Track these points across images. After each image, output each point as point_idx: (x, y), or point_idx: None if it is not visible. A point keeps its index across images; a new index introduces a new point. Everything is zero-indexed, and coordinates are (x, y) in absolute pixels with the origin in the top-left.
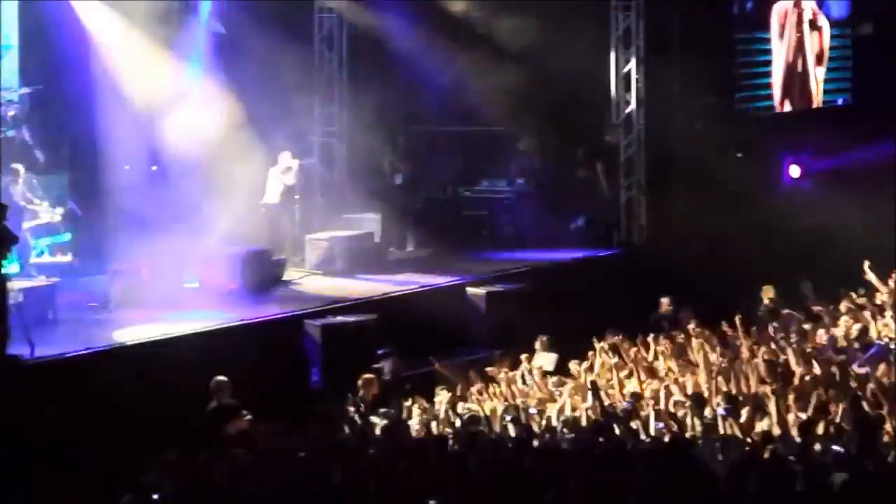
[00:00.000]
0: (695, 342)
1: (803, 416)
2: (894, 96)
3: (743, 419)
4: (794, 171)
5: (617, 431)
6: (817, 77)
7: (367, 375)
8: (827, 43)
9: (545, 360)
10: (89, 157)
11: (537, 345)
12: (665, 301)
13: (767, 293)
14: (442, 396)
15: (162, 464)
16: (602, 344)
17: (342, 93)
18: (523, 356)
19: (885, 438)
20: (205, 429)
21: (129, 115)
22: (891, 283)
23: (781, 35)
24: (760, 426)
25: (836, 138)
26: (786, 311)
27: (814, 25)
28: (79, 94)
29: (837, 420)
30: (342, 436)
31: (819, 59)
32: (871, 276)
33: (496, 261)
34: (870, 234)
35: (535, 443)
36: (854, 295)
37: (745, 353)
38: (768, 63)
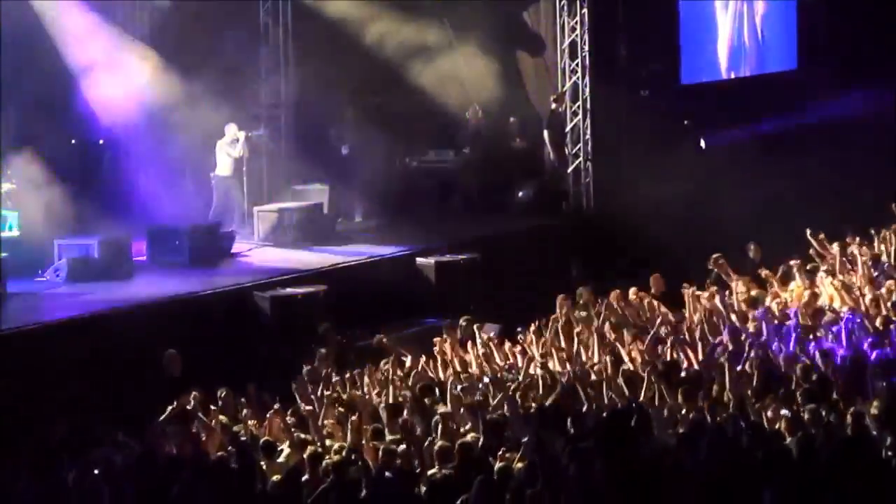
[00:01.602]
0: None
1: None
2: (838, 61)
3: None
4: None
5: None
6: (762, 45)
7: (322, 349)
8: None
9: (489, 330)
10: (38, 131)
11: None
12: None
13: (717, 260)
14: (390, 366)
15: (109, 438)
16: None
17: (288, 64)
18: (475, 326)
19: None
20: (154, 402)
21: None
22: (834, 249)
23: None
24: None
25: (780, 104)
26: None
27: None
28: (26, 68)
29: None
30: (294, 408)
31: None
32: (813, 244)
33: (445, 231)
34: (812, 200)
35: (486, 413)
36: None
37: (694, 320)
38: (713, 32)
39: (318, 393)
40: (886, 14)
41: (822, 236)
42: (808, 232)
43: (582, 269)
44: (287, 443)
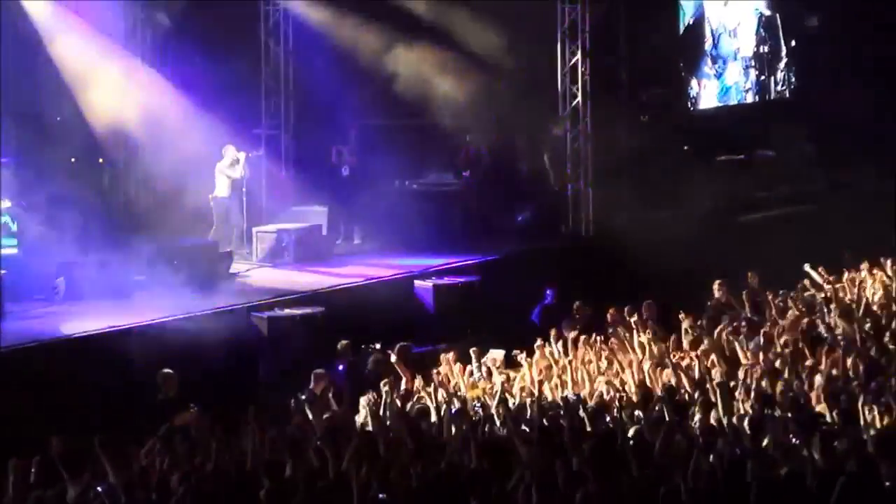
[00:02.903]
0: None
1: (750, 409)
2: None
3: (691, 413)
4: None
5: (564, 424)
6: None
7: (319, 370)
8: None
9: (494, 355)
10: (36, 147)
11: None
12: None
13: (716, 286)
14: (387, 388)
15: (108, 456)
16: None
17: (289, 85)
18: (472, 350)
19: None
20: (151, 421)
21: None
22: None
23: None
24: (705, 419)
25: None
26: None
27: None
28: (26, 84)
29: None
30: (291, 429)
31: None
32: (812, 274)
33: (443, 254)
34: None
35: (481, 436)
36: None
37: (692, 346)
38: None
39: (315, 414)
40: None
41: (820, 269)
42: (807, 265)
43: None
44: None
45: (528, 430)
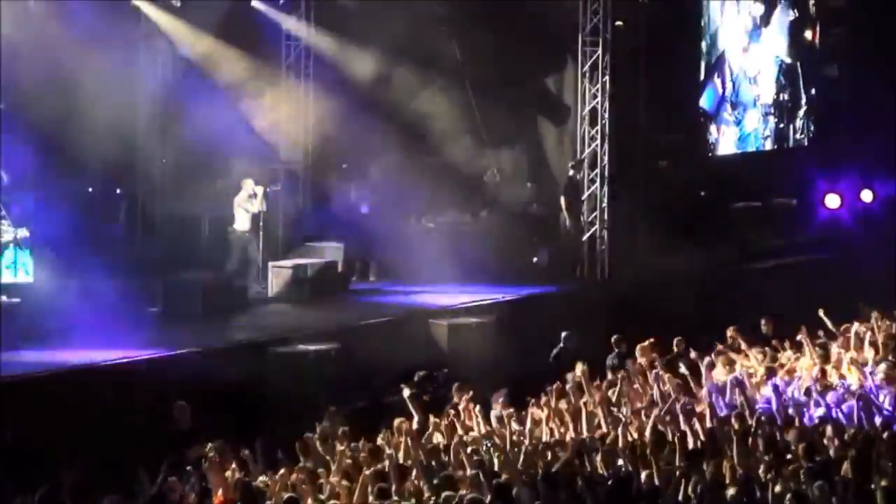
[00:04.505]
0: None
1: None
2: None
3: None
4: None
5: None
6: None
7: (332, 407)
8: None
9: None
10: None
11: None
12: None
13: (729, 332)
14: (401, 428)
15: (123, 487)
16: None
17: (308, 120)
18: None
19: None
20: (165, 454)
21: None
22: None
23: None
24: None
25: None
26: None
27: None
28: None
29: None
30: (302, 464)
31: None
32: (827, 322)
33: (459, 293)
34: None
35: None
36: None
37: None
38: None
39: (327, 451)
40: None
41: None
42: (821, 312)
43: (576, 341)
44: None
45: (539, 473)
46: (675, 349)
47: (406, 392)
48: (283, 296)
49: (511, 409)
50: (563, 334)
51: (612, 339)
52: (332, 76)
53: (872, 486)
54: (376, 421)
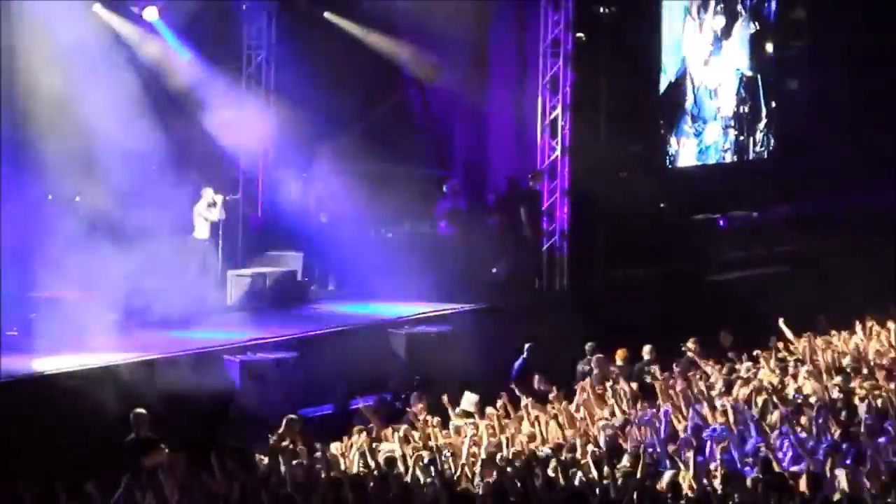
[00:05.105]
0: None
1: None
2: (813, 150)
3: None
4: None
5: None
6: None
7: (292, 416)
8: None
9: (467, 400)
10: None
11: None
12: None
13: (689, 344)
14: (359, 437)
15: (79, 496)
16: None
17: (268, 128)
18: (444, 398)
19: None
20: (123, 461)
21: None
22: (803, 340)
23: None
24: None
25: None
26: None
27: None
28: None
29: None
30: (260, 473)
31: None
32: (786, 332)
33: (418, 303)
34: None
35: (450, 488)
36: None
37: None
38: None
39: (286, 462)
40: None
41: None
42: (781, 321)
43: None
44: None
45: (495, 483)
46: (645, 357)
47: (362, 403)
48: (242, 304)
49: (470, 419)
50: (527, 346)
51: (586, 346)
52: (293, 84)
53: None
54: (340, 430)
